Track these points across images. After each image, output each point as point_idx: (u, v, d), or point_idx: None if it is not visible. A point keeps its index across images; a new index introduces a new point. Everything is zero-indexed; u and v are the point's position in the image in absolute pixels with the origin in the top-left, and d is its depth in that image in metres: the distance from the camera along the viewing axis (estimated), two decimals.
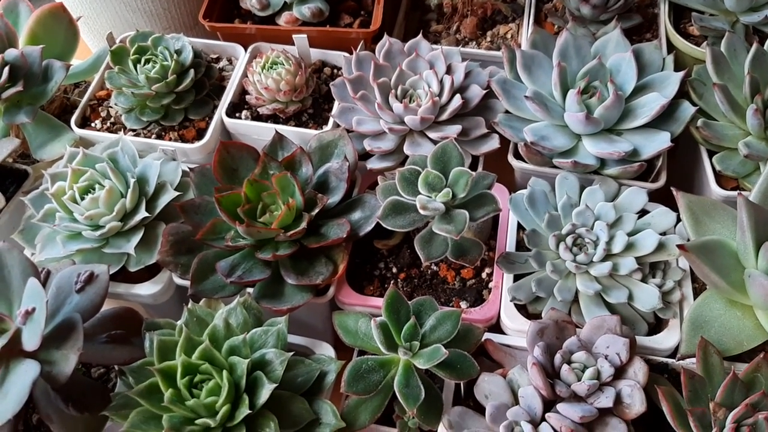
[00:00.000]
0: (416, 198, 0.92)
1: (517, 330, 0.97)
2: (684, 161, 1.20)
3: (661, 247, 0.96)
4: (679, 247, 0.88)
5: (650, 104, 1.06)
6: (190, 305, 0.92)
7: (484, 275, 1.04)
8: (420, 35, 1.18)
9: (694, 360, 0.87)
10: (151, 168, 1.06)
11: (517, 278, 1.00)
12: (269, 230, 0.96)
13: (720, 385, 0.83)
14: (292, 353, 0.87)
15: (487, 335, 0.95)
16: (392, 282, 1.04)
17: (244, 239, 0.97)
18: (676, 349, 0.93)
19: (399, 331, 0.89)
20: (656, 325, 0.98)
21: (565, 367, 0.84)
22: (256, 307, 0.94)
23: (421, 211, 0.91)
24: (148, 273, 1.05)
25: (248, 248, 0.99)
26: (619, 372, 0.84)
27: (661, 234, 0.98)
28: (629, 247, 0.96)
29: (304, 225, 0.97)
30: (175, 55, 1.16)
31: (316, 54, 1.26)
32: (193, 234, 0.99)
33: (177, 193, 1.04)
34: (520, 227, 1.06)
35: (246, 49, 1.26)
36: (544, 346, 0.87)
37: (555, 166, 1.08)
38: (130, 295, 1.04)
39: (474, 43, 1.31)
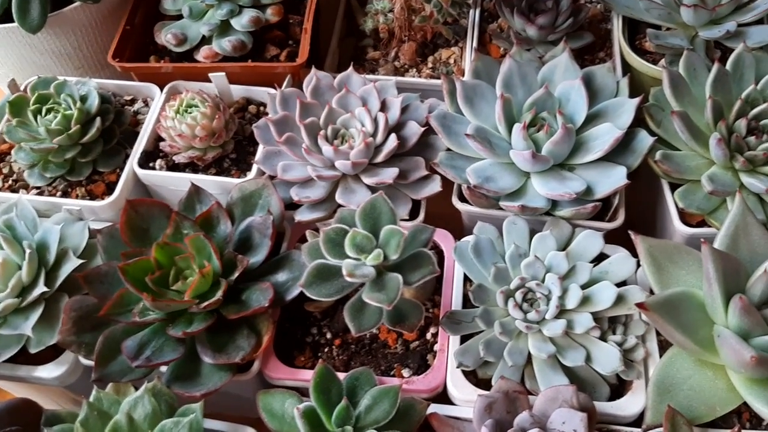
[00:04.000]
0: (343, 262, 0.82)
1: (465, 400, 0.86)
2: (645, 194, 1.10)
3: (620, 299, 0.86)
4: (639, 306, 0.78)
5: (603, 137, 0.96)
6: (92, 396, 0.81)
7: (428, 336, 0.93)
8: (351, 68, 1.07)
9: (661, 430, 0.78)
10: (52, 233, 0.94)
11: (464, 339, 0.89)
12: (181, 302, 0.85)
13: None
14: None
15: (432, 407, 0.84)
16: (326, 349, 0.93)
17: (154, 313, 0.86)
18: (642, 413, 0.83)
19: (329, 414, 0.79)
20: (619, 386, 0.88)
21: None
22: (167, 393, 0.83)
23: (348, 279, 0.80)
24: (55, 351, 0.93)
25: (159, 322, 0.87)
26: None
27: (620, 283, 0.88)
28: (584, 301, 0.86)
29: (219, 295, 0.86)
30: (79, 102, 1.04)
31: (239, 91, 1.14)
32: (98, 308, 0.88)
33: (80, 262, 0.92)
34: (467, 279, 0.96)
35: (162, 89, 1.14)
36: (492, 424, 0.77)
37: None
38: (33, 378, 0.92)
39: (414, 70, 1.20)
